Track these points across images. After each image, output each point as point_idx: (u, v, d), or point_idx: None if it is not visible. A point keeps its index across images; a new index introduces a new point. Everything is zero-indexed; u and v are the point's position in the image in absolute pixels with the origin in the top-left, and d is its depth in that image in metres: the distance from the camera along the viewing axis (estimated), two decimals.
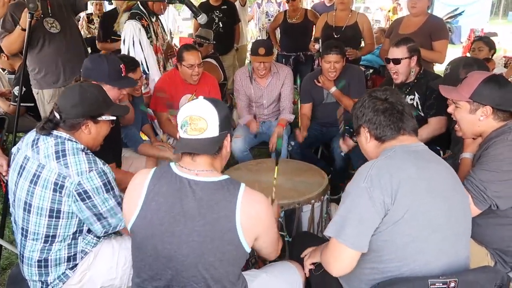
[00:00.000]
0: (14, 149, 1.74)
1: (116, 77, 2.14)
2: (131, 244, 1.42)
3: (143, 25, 3.22)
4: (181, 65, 3.08)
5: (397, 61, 2.65)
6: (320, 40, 3.80)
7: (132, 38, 3.15)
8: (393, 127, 1.47)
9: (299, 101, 3.46)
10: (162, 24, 3.66)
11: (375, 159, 1.44)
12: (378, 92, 1.52)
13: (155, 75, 3.30)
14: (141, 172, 1.43)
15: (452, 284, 1.25)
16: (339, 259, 1.39)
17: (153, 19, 3.37)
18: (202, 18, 3.47)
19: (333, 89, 3.19)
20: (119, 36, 3.57)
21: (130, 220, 1.35)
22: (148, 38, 3.28)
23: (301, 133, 3.17)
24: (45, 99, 3.12)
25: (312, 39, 4.10)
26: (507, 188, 1.63)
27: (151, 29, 3.35)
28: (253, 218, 1.32)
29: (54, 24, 2.99)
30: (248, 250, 1.34)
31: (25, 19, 2.67)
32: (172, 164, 1.40)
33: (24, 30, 2.71)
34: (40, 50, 2.98)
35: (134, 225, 1.34)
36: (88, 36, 5.92)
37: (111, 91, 2.07)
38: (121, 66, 2.19)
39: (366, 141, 1.55)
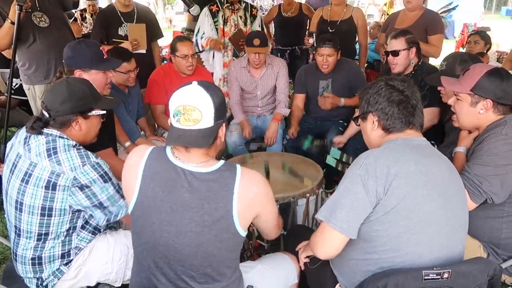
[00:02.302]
0: (9, 144, 1.72)
1: (99, 60, 2.08)
2: (131, 229, 1.41)
3: (211, 10, 3.72)
4: (174, 56, 3.08)
5: (395, 53, 2.67)
6: (314, 34, 3.80)
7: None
8: (404, 120, 1.45)
9: (292, 93, 3.47)
10: (245, 13, 3.82)
11: (374, 149, 1.43)
12: (395, 82, 1.47)
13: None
14: (136, 151, 1.40)
15: (446, 275, 1.27)
16: (327, 242, 1.40)
17: (225, 5, 3.70)
18: (195, 10, 3.47)
19: (342, 100, 3.20)
20: (121, 37, 3.45)
21: (130, 203, 1.35)
22: (215, 22, 3.72)
23: (293, 128, 3.22)
24: (37, 94, 3.08)
25: (306, 33, 4.10)
26: (502, 182, 1.64)
27: (220, 14, 3.73)
28: (250, 200, 1.31)
29: (42, 18, 2.94)
30: (244, 234, 1.34)
31: (13, 12, 2.63)
32: (168, 150, 1.36)
33: (13, 24, 2.67)
34: (29, 45, 2.94)
35: (135, 209, 1.34)
36: (84, 33, 5.82)
37: (97, 76, 2.03)
38: (101, 48, 2.14)
39: (372, 129, 1.52)
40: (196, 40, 3.83)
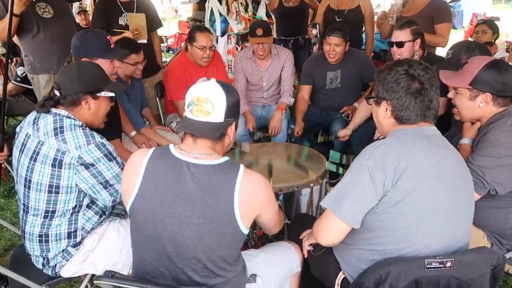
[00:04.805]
0: (18, 128, 1.76)
1: (106, 49, 2.12)
2: (130, 225, 1.43)
3: None
4: (192, 45, 3.06)
5: (400, 44, 2.65)
6: (318, 25, 3.77)
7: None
8: (419, 113, 1.41)
9: (298, 85, 3.45)
10: (247, 3, 3.88)
11: (383, 140, 1.42)
12: (417, 70, 1.40)
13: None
14: (140, 151, 1.43)
15: (448, 264, 1.27)
16: (331, 230, 1.41)
17: None
18: None
19: (356, 105, 3.18)
20: (122, 27, 3.39)
21: (129, 200, 1.36)
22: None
23: (297, 126, 3.18)
24: (41, 84, 3.09)
25: (310, 25, 4.06)
26: (506, 173, 1.63)
27: (223, 2, 3.82)
28: (251, 200, 1.33)
29: (46, 9, 2.94)
30: (246, 232, 1.35)
31: (17, 4, 2.63)
32: (171, 146, 1.40)
33: (16, 16, 2.67)
34: (34, 36, 2.94)
35: (134, 205, 1.35)
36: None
37: (104, 65, 2.04)
38: (108, 37, 2.16)
39: (384, 116, 1.48)
40: (214, 24, 3.86)
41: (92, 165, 1.60)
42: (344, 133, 2.99)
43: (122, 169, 1.65)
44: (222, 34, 3.87)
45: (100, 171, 1.62)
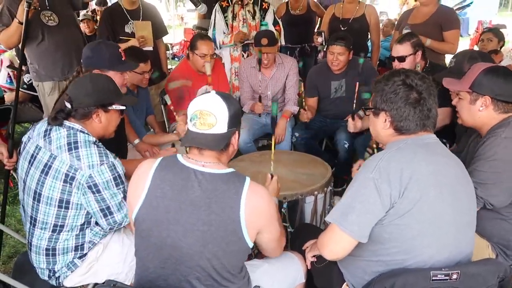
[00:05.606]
0: (24, 138, 1.76)
1: (117, 62, 2.13)
2: (134, 234, 1.42)
3: (221, 6, 3.79)
4: (193, 53, 3.08)
5: (402, 59, 2.63)
6: (323, 33, 3.78)
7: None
8: (419, 123, 1.41)
9: (303, 93, 3.44)
10: (254, 7, 3.83)
11: (385, 151, 1.42)
12: (414, 80, 1.41)
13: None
14: (147, 161, 1.43)
15: (454, 276, 1.25)
16: (337, 244, 1.40)
17: (234, 0, 3.75)
18: (202, 8, 3.50)
19: (362, 114, 3.06)
20: (128, 34, 3.42)
21: (134, 208, 1.36)
22: (225, 17, 3.81)
23: (306, 113, 3.13)
24: (46, 91, 3.11)
25: (315, 33, 4.07)
26: (501, 187, 1.62)
27: (229, 10, 3.78)
28: (255, 211, 1.33)
29: (51, 17, 2.96)
30: (250, 244, 1.35)
31: (22, 12, 2.65)
32: (178, 156, 1.41)
33: (21, 23, 2.69)
34: (38, 44, 2.96)
35: (139, 213, 1.35)
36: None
37: (115, 77, 2.05)
38: (120, 50, 2.17)
39: (383, 127, 1.48)
40: (214, 36, 3.85)
41: (98, 191, 1.59)
42: (355, 125, 2.80)
43: (125, 197, 1.64)
44: (219, 47, 3.88)
45: (104, 198, 1.61)
